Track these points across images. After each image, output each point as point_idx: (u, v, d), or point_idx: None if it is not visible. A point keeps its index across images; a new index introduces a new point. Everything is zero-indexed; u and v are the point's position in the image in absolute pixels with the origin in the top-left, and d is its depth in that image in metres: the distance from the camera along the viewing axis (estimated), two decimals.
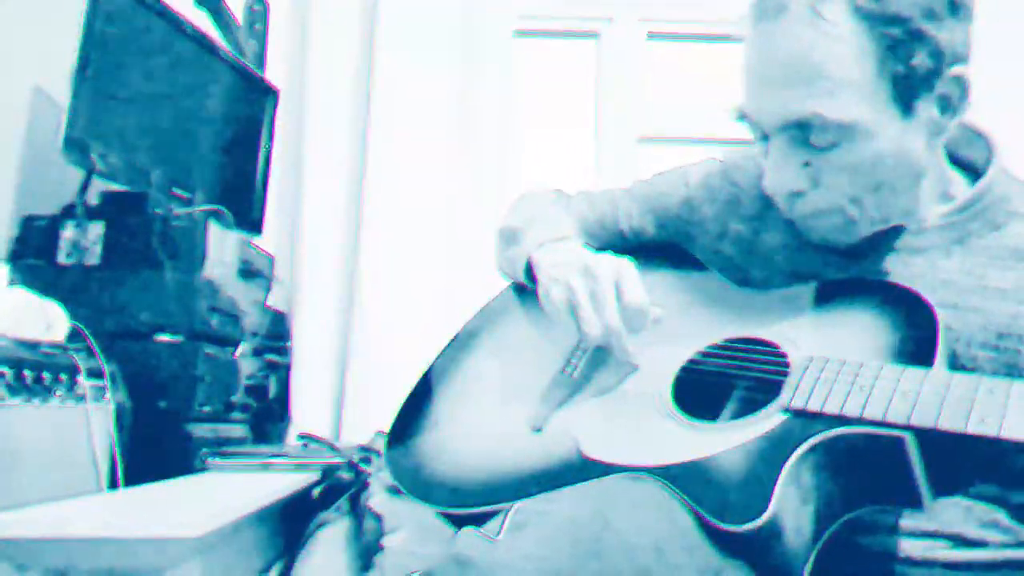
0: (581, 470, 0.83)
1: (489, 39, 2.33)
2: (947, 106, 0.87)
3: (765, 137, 0.91)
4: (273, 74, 2.27)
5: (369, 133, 2.21)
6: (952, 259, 0.90)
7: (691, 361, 0.95)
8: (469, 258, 2.20)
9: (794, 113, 0.85)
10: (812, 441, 0.74)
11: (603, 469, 0.82)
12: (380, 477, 1.12)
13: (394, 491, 0.98)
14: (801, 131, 0.86)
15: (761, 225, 1.02)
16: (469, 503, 0.87)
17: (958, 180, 0.95)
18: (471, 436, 0.99)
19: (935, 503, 0.77)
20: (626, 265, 0.97)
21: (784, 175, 0.89)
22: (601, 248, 1.12)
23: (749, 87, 0.90)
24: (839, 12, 0.83)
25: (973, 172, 0.95)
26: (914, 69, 0.83)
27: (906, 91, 0.84)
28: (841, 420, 0.76)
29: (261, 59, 2.28)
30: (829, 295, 0.92)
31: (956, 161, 0.96)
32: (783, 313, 0.93)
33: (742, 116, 0.92)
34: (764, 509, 0.69)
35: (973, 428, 0.71)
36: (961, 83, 0.86)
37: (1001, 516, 0.84)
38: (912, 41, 0.83)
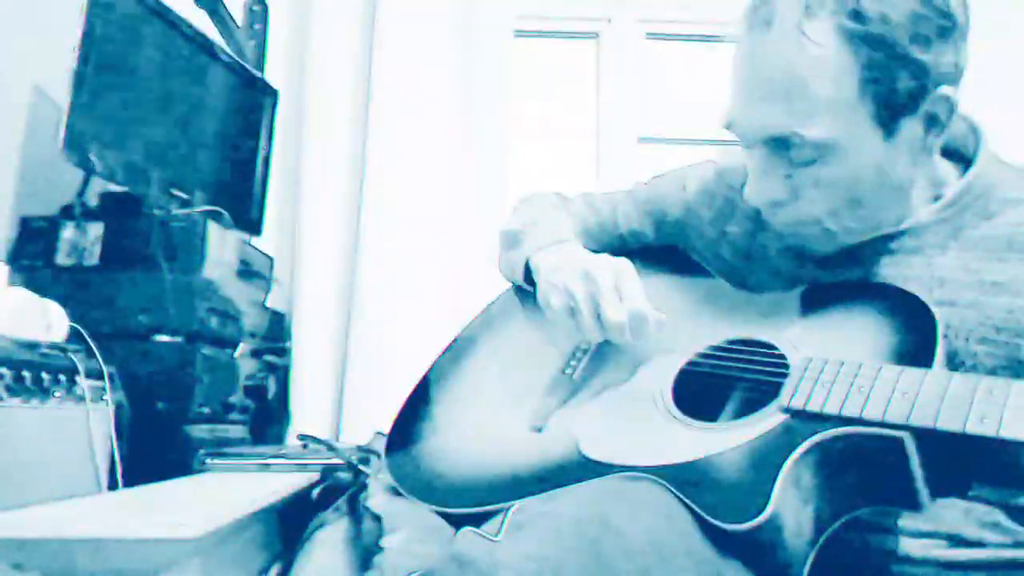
0: (581, 470, 0.83)
1: (489, 39, 2.33)
2: (933, 124, 0.87)
3: (749, 143, 0.91)
4: (273, 74, 2.27)
5: (369, 133, 2.21)
6: (947, 255, 0.90)
7: (691, 363, 0.95)
8: (469, 259, 2.20)
9: (773, 129, 0.86)
10: (811, 441, 0.75)
11: (603, 468, 0.82)
12: (380, 477, 1.12)
13: (394, 491, 0.98)
14: (781, 146, 0.87)
15: (758, 229, 1.02)
16: (469, 503, 0.87)
17: (948, 171, 0.94)
18: (471, 436, 0.99)
19: (933, 504, 0.77)
20: (625, 266, 0.97)
21: (764, 185, 0.91)
22: (600, 251, 1.12)
23: (734, 96, 0.90)
24: (824, 32, 0.82)
25: (963, 160, 0.95)
26: (897, 91, 0.83)
27: (888, 112, 0.84)
28: (840, 420, 0.76)
29: (261, 59, 2.28)
30: (827, 298, 0.92)
31: (946, 151, 0.96)
32: (782, 315, 0.93)
33: (728, 124, 0.92)
34: (763, 509, 0.70)
35: (972, 428, 0.71)
36: (948, 102, 0.85)
37: (1000, 517, 0.84)
38: (897, 64, 0.82)
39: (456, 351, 1.14)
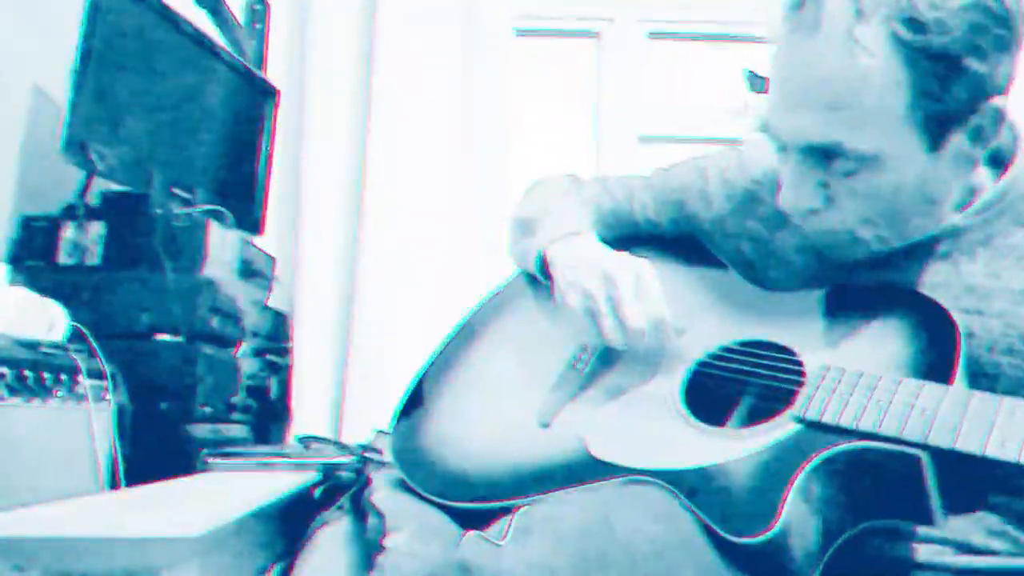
0: (587, 469, 0.83)
1: (489, 38, 2.33)
2: (979, 137, 0.82)
3: (783, 148, 0.87)
4: (273, 73, 2.27)
5: (369, 133, 2.21)
6: (976, 262, 0.86)
7: (703, 363, 0.93)
8: (469, 258, 2.20)
9: (816, 137, 0.82)
10: (824, 454, 0.73)
11: (609, 469, 0.81)
12: (382, 473, 1.11)
13: (398, 485, 0.97)
14: (821, 154, 0.83)
15: (779, 224, 0.98)
16: (473, 497, 0.87)
17: (983, 176, 0.90)
18: (476, 428, 0.98)
19: (946, 520, 0.76)
20: (645, 269, 0.95)
21: (799, 192, 0.86)
22: (616, 238, 1.10)
23: (774, 99, 0.85)
24: (877, 39, 0.77)
25: (999, 164, 0.91)
26: (950, 104, 0.79)
27: (938, 125, 0.80)
28: (855, 434, 0.74)
29: (261, 58, 2.28)
30: (848, 300, 0.89)
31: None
32: (800, 316, 0.91)
33: (765, 127, 0.88)
34: (772, 521, 0.69)
35: (992, 451, 0.69)
36: (997, 114, 0.81)
37: (1009, 527, 0.83)
38: (952, 77, 0.77)
39: (463, 336, 1.12)
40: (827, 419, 0.77)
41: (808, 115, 0.82)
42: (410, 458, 0.96)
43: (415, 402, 1.04)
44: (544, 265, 1.08)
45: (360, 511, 1.12)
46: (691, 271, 1.04)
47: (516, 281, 1.17)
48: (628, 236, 1.12)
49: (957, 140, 0.82)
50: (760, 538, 0.68)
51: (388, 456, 1.02)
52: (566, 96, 2.57)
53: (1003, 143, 0.90)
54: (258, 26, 2.27)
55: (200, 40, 1.86)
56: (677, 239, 1.10)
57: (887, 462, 0.73)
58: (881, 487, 0.75)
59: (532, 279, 1.14)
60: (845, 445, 0.74)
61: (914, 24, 0.76)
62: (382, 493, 0.97)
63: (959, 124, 0.81)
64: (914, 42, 0.77)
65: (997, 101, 0.80)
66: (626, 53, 2.53)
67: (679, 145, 2.52)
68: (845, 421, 0.76)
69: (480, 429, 0.97)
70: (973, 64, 0.77)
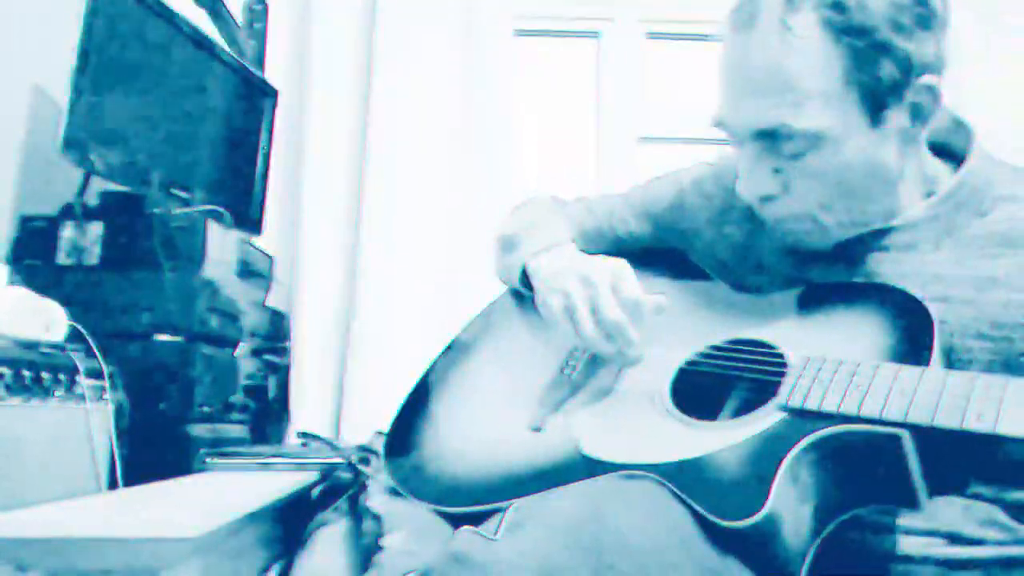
0: (581, 469, 0.84)
1: (489, 38, 2.33)
2: (918, 114, 0.88)
3: (740, 141, 0.92)
4: (273, 74, 2.27)
5: (369, 133, 2.21)
6: (942, 252, 0.90)
7: (689, 362, 0.95)
8: (469, 259, 2.20)
9: (762, 122, 0.87)
10: (810, 438, 0.75)
11: (603, 467, 0.82)
12: (379, 477, 1.12)
13: (393, 491, 0.98)
14: (771, 139, 0.88)
15: (755, 229, 1.02)
16: (468, 502, 0.87)
17: (941, 170, 0.95)
18: (470, 437, 0.99)
19: (932, 502, 0.78)
20: (622, 265, 0.97)
21: (756, 180, 0.92)
22: (597, 254, 1.12)
23: (723, 94, 0.91)
24: (808, 24, 0.84)
25: (955, 159, 0.96)
26: (881, 80, 0.85)
27: (874, 101, 0.86)
28: (838, 418, 0.76)
29: (261, 59, 2.28)
30: (824, 297, 0.92)
31: (938, 150, 0.97)
32: (780, 316, 0.94)
33: (719, 122, 0.93)
34: (761, 506, 0.70)
35: (969, 424, 0.71)
36: (932, 92, 0.87)
37: (999, 514, 0.84)
38: (879, 53, 0.84)
39: (454, 352, 1.14)
40: (810, 405, 0.79)
41: (754, 102, 0.88)
42: (407, 474, 0.97)
43: (408, 419, 1.05)
44: (527, 277, 1.09)
45: (358, 513, 1.12)
46: (673, 281, 1.08)
47: (504, 298, 1.20)
48: (610, 253, 1.14)
49: (897, 117, 0.87)
50: (750, 521, 0.69)
51: (382, 466, 1.02)
52: (566, 97, 2.57)
53: (957, 137, 0.96)
54: (258, 26, 2.27)
55: (199, 40, 1.86)
56: (658, 252, 1.13)
57: (871, 443, 0.75)
58: (866, 469, 0.76)
59: (518, 294, 1.16)
60: (829, 429, 0.75)
61: (839, 7, 0.84)
62: (379, 497, 0.98)
63: (895, 100, 0.86)
64: (840, 22, 0.84)
65: (929, 79, 0.86)
66: (626, 53, 2.53)
67: (679, 146, 2.52)
68: (828, 406, 0.78)
69: (475, 439, 0.98)
70: (897, 40, 0.84)
